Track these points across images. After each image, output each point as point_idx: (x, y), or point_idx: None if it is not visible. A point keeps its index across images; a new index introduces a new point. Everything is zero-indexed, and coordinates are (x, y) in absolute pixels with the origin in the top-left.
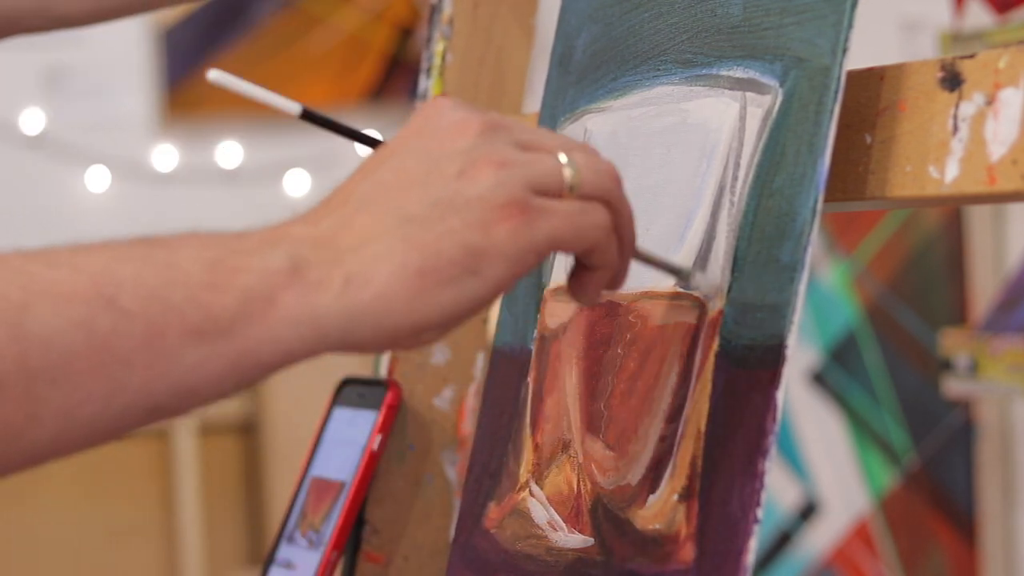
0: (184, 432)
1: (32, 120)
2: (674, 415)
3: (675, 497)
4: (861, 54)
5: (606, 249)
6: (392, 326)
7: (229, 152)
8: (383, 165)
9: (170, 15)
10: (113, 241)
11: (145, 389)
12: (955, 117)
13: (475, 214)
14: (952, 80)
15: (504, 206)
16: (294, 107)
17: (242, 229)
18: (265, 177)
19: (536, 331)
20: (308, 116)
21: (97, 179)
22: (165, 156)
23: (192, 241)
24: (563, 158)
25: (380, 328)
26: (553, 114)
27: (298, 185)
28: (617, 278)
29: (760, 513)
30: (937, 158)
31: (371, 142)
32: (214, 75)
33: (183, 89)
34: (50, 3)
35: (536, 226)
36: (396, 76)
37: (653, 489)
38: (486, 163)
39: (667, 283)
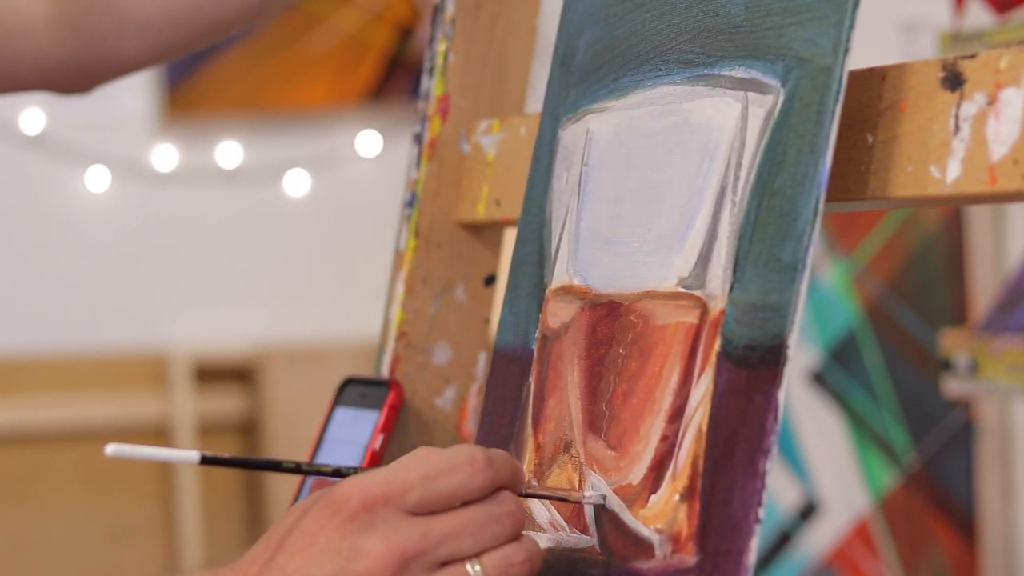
0: (184, 432)
1: (32, 120)
2: (675, 415)
3: (676, 497)
4: (861, 54)
5: None
6: None
7: (229, 152)
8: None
9: None
10: None
11: None
12: (956, 117)
13: None
14: (953, 80)
15: None
16: (192, 456)
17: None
18: (265, 177)
19: (538, 331)
20: (208, 461)
21: (97, 179)
22: (165, 156)
23: None
24: (473, 569)
25: None
26: (555, 114)
27: (298, 185)
28: None
29: (762, 513)
30: (938, 158)
31: (272, 466)
32: (112, 449)
33: (183, 89)
34: (113, 53)
35: None
36: (396, 76)
37: (655, 489)
38: None
39: (668, 283)
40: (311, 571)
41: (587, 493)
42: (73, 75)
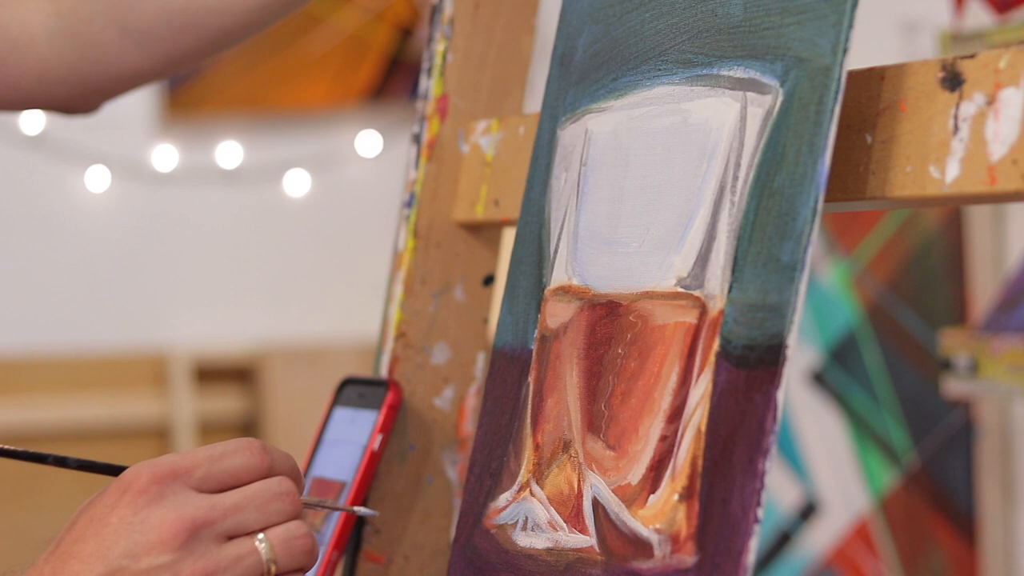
0: (184, 432)
1: (32, 120)
2: (675, 415)
3: (675, 497)
4: (861, 54)
5: None
6: None
7: (229, 152)
8: (100, 561)
9: None
10: None
11: None
12: (956, 117)
13: None
14: (953, 80)
15: None
16: None
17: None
18: (265, 177)
19: (537, 331)
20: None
21: (97, 179)
22: (165, 156)
23: None
24: (261, 542)
25: None
26: (554, 114)
27: (298, 185)
28: None
29: (761, 513)
30: (938, 158)
31: (107, 469)
32: None
33: (183, 89)
34: (113, 64)
35: None
36: (396, 76)
37: (654, 489)
38: None
39: (667, 283)
40: (105, 551)
41: (360, 508)
42: (76, 88)
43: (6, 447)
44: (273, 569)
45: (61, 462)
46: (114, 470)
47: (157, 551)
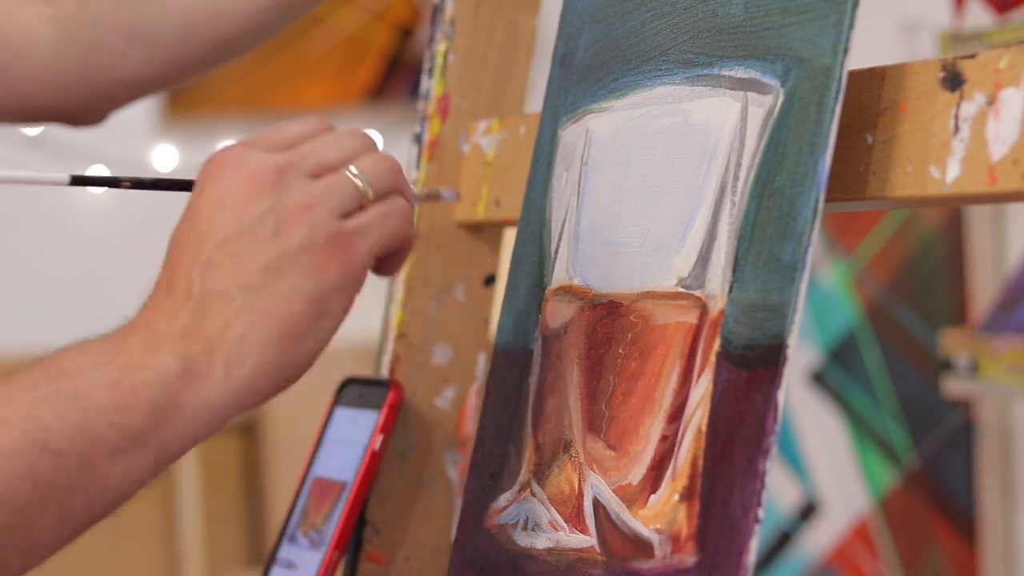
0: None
1: None
2: (675, 415)
3: (676, 497)
4: (861, 54)
5: (411, 231)
6: (274, 386)
7: None
8: (204, 244)
9: None
10: (18, 378)
11: (86, 508)
12: (956, 117)
13: (305, 264)
14: (953, 80)
15: (325, 247)
16: (63, 177)
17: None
18: None
19: (537, 331)
20: (78, 181)
21: None
22: (165, 156)
23: (85, 362)
24: (352, 171)
25: (265, 393)
26: (555, 114)
27: None
28: (410, 248)
29: (761, 513)
30: (938, 158)
31: (179, 185)
32: None
33: (183, 89)
34: (117, 70)
35: (357, 250)
36: (396, 76)
37: (654, 489)
38: (293, 212)
39: (668, 283)
40: (209, 234)
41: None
42: (80, 94)
43: (82, 175)
44: (370, 193)
45: (137, 184)
46: (186, 184)
47: (253, 202)
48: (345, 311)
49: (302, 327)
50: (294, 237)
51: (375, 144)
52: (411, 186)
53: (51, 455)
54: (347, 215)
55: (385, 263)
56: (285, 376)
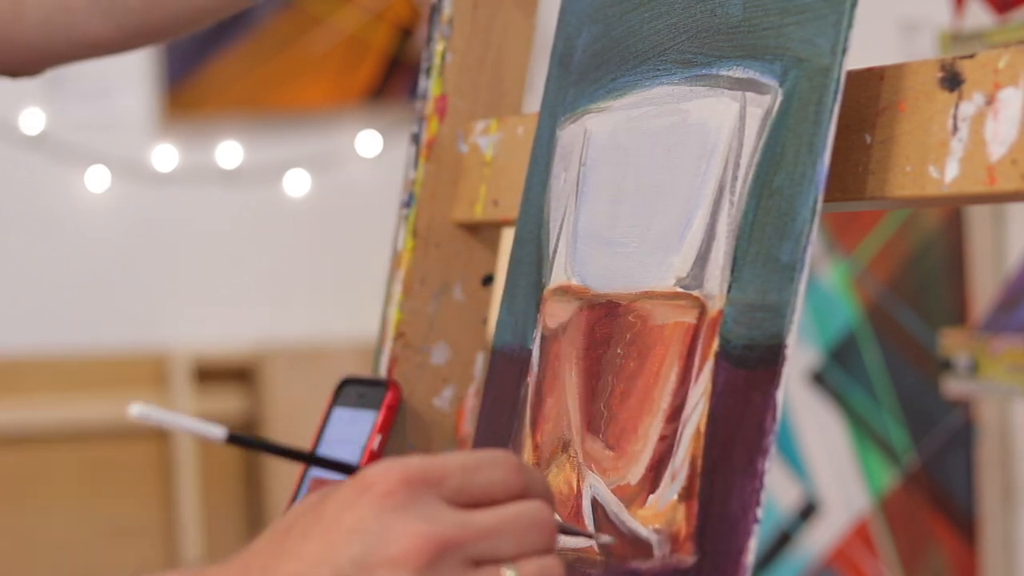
0: (184, 432)
1: (32, 120)
2: (674, 415)
3: (675, 497)
4: (861, 54)
5: None
6: None
7: (229, 152)
8: (325, 567)
9: None
10: None
11: None
12: (955, 117)
13: None
14: (952, 80)
15: None
16: (219, 433)
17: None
18: (265, 177)
19: (536, 331)
20: (234, 440)
21: (97, 179)
22: (165, 156)
23: None
24: (509, 573)
25: None
26: (553, 114)
27: (298, 185)
28: None
29: (760, 513)
30: (937, 158)
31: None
32: (137, 411)
33: (183, 89)
34: (74, 31)
35: None
36: (396, 76)
37: (653, 489)
38: None
39: (667, 283)
40: (332, 554)
41: (604, 536)
42: (36, 53)
43: (249, 438)
44: None
45: (299, 456)
46: (348, 468)
47: (396, 566)
48: None
49: None
50: None
51: (555, 544)
52: None
53: None
54: None
55: None
56: None
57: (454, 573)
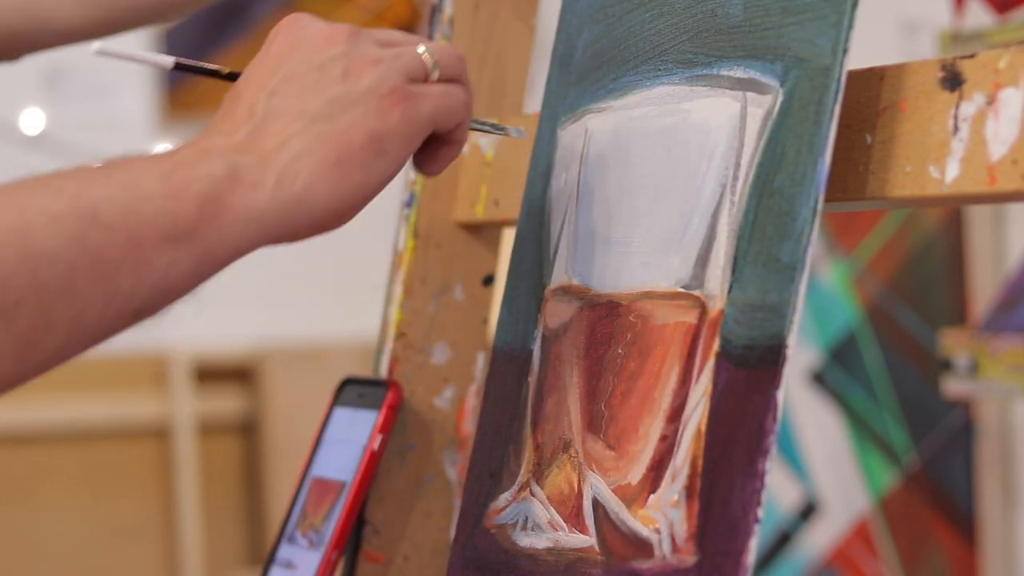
0: (184, 432)
1: (32, 120)
2: (674, 415)
3: (675, 497)
4: (861, 54)
5: (465, 124)
6: (321, 211)
7: None
8: (274, 77)
9: None
10: (73, 168)
11: (132, 293)
12: (955, 117)
13: (370, 105)
14: (952, 80)
15: (390, 94)
16: (168, 60)
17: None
18: None
19: (537, 331)
20: (181, 67)
21: None
22: None
23: (137, 161)
24: (421, 49)
25: (312, 215)
26: (554, 114)
27: None
28: (459, 150)
29: (761, 513)
30: (937, 158)
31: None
32: (97, 47)
33: (183, 89)
34: (48, 17)
35: (419, 107)
36: None
37: (653, 489)
38: (363, 62)
39: (667, 283)
40: (279, 67)
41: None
42: (7, 39)
43: (185, 61)
44: (436, 73)
45: (232, 77)
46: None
47: (326, 48)
48: (400, 162)
49: (358, 158)
50: (361, 81)
51: (465, 76)
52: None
53: (101, 227)
54: (412, 81)
55: (432, 158)
56: (334, 206)
57: (372, 46)
